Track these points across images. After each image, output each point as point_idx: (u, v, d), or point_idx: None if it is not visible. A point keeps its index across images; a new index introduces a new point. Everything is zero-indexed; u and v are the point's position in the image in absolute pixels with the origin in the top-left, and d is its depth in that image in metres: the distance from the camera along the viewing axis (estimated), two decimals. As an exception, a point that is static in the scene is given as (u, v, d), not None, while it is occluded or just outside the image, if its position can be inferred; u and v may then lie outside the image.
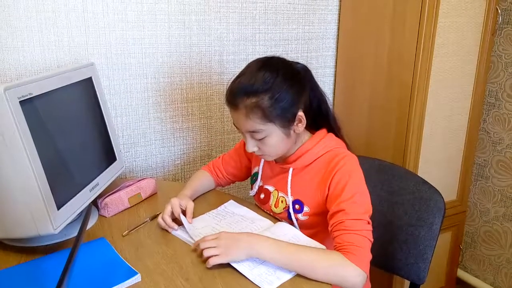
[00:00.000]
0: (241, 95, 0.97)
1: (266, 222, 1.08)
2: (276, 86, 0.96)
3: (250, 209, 1.16)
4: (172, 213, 1.07)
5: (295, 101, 0.99)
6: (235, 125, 1.04)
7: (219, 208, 1.16)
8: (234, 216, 1.12)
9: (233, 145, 1.62)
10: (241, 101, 0.97)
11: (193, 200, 1.17)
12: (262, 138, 1.00)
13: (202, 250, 0.92)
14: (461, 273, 2.02)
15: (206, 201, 1.22)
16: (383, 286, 1.67)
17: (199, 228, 1.05)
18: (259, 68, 0.99)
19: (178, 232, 1.04)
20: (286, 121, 0.99)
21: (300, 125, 1.02)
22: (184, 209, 1.08)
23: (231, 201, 1.20)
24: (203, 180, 1.26)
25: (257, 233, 1.02)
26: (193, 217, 1.09)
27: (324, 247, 0.98)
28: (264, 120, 0.97)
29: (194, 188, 1.20)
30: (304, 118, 1.02)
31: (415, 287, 1.19)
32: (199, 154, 1.65)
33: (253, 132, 0.99)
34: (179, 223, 1.07)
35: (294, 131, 1.02)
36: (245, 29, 1.61)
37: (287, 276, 0.88)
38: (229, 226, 1.06)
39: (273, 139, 1.00)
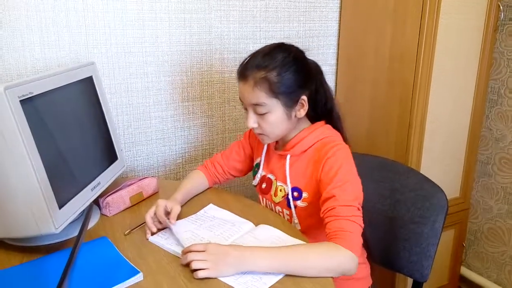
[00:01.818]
0: (252, 68, 1.03)
1: (247, 224, 1.07)
2: (285, 65, 1.02)
3: (231, 211, 1.14)
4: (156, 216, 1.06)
5: (301, 83, 1.04)
6: (240, 99, 1.08)
7: (198, 212, 1.14)
8: (214, 220, 1.10)
9: (234, 144, 1.62)
10: (251, 74, 1.02)
11: (186, 202, 1.18)
12: (264, 114, 1.03)
13: (188, 261, 0.89)
14: (464, 271, 2.01)
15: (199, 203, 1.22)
16: (386, 284, 1.66)
17: (179, 232, 1.02)
18: (273, 48, 1.06)
19: (155, 239, 1.01)
20: (290, 100, 1.03)
21: (302, 110, 1.06)
22: (169, 211, 1.06)
23: (211, 205, 1.18)
24: (195, 181, 1.25)
25: (240, 235, 1.02)
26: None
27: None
28: (269, 94, 1.01)
29: (186, 192, 1.19)
30: (307, 103, 1.06)
31: (418, 285, 1.18)
32: (200, 152, 1.65)
33: (256, 105, 1.03)
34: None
35: (295, 115, 1.06)
36: (246, 27, 1.60)
37: (274, 279, 0.87)
38: (209, 230, 1.05)
39: (274, 116, 1.04)
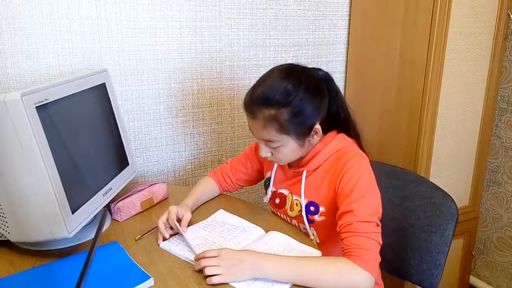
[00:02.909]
0: (260, 104, 0.97)
1: (257, 230, 1.08)
2: (297, 100, 0.96)
3: (241, 217, 1.15)
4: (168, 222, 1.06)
5: (314, 114, 0.99)
6: (250, 130, 1.04)
7: (208, 218, 1.15)
8: (225, 225, 1.10)
9: (243, 150, 1.63)
10: (260, 111, 0.97)
11: (196, 208, 1.18)
12: (276, 147, 1.01)
13: (202, 267, 0.90)
14: (474, 280, 1.99)
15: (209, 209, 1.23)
16: (394, 293, 1.66)
17: (190, 239, 1.03)
18: (282, 78, 0.98)
19: (167, 245, 1.02)
20: (302, 133, 1.00)
21: (315, 137, 1.03)
22: (180, 218, 1.07)
23: (221, 210, 1.19)
24: (206, 188, 1.25)
25: (250, 241, 1.02)
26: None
27: (320, 253, 0.99)
28: (280, 132, 0.97)
29: (196, 198, 1.19)
30: (320, 130, 1.02)
31: (427, 294, 1.18)
32: (209, 159, 1.66)
33: (268, 141, 1.00)
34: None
35: (309, 141, 1.03)
36: (256, 35, 1.62)
37: (285, 287, 0.88)
38: (220, 236, 1.05)
39: (287, 149, 1.01)
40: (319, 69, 1.07)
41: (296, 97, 0.96)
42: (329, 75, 1.08)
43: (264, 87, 0.99)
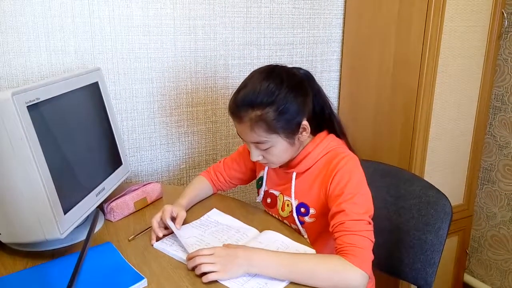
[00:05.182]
0: (245, 107, 0.97)
1: (252, 230, 1.08)
2: (281, 98, 0.96)
3: (234, 217, 1.15)
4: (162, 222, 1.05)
5: (300, 111, 0.99)
6: (238, 135, 1.04)
7: (202, 217, 1.14)
8: (218, 226, 1.10)
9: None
10: (246, 114, 0.97)
11: (190, 208, 1.18)
12: (266, 148, 1.00)
13: (197, 264, 0.89)
14: (468, 278, 2.00)
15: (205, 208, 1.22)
16: (389, 291, 1.66)
17: (184, 238, 1.02)
18: (263, 79, 0.99)
19: (161, 245, 1.01)
20: (291, 131, 0.99)
21: (304, 134, 1.02)
22: (175, 216, 1.06)
23: (214, 210, 1.18)
24: (200, 187, 1.25)
25: (245, 242, 1.02)
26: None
27: (314, 251, 0.99)
28: (269, 132, 0.97)
29: (190, 197, 1.19)
30: (308, 127, 1.02)
31: (422, 292, 1.18)
32: (204, 158, 1.65)
33: (257, 143, 1.00)
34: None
35: (298, 139, 1.03)
36: (250, 33, 1.61)
37: (280, 286, 0.87)
38: (214, 236, 1.05)
39: (278, 149, 1.01)
40: (300, 68, 1.07)
41: (280, 95, 0.96)
42: (310, 73, 1.08)
43: (247, 90, 0.99)
